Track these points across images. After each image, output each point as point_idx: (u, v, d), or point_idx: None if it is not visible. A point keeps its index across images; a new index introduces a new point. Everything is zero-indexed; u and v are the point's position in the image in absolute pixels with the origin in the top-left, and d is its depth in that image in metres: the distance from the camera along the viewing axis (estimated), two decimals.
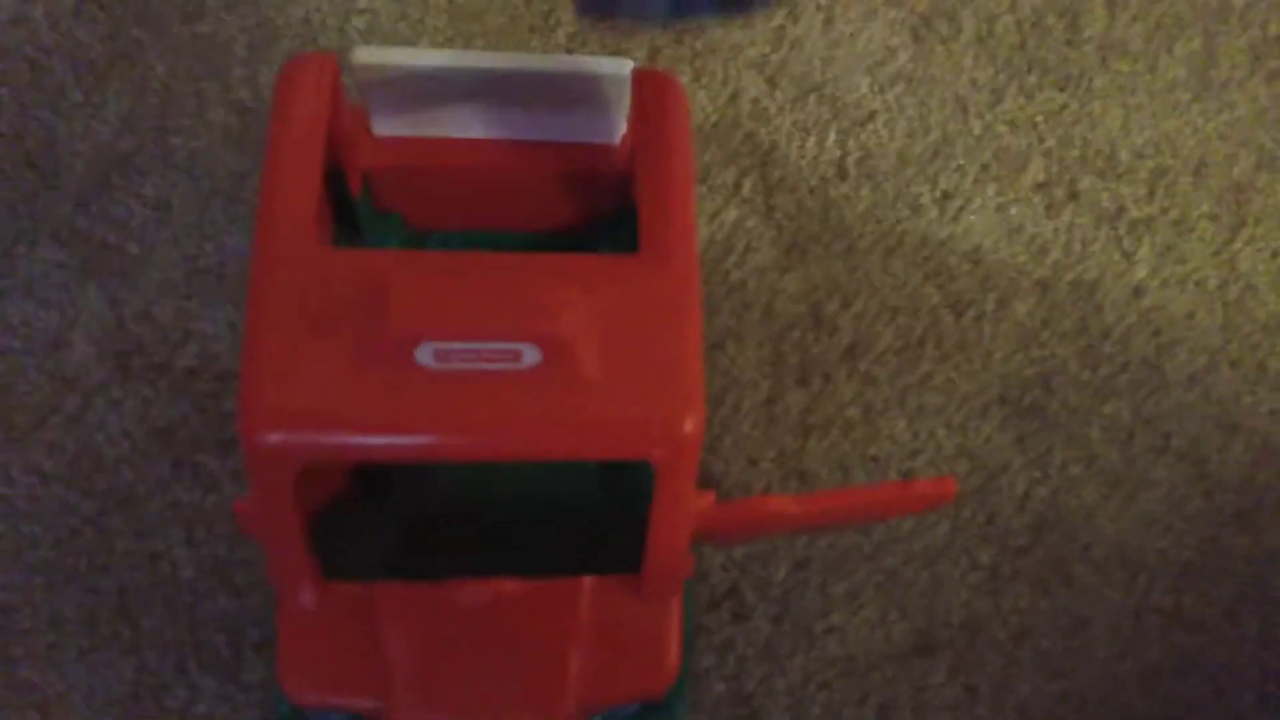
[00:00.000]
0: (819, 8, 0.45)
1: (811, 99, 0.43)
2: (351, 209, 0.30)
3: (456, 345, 0.23)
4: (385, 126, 0.30)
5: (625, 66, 0.27)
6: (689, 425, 0.24)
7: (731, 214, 0.41)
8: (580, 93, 0.28)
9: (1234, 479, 0.39)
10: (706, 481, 0.38)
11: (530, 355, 0.23)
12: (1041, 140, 0.44)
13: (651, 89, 0.29)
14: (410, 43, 0.43)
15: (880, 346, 0.40)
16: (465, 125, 0.30)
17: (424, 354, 0.23)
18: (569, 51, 0.44)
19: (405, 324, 0.23)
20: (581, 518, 0.31)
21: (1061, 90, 0.44)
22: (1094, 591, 0.37)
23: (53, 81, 0.41)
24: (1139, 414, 0.40)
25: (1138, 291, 0.42)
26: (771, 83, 0.43)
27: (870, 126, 0.43)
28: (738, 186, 0.42)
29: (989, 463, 0.38)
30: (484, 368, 0.24)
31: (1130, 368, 0.40)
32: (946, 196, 0.42)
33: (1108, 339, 0.41)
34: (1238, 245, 0.43)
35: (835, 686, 0.35)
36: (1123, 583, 0.37)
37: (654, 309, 0.25)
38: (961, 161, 0.43)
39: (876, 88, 0.44)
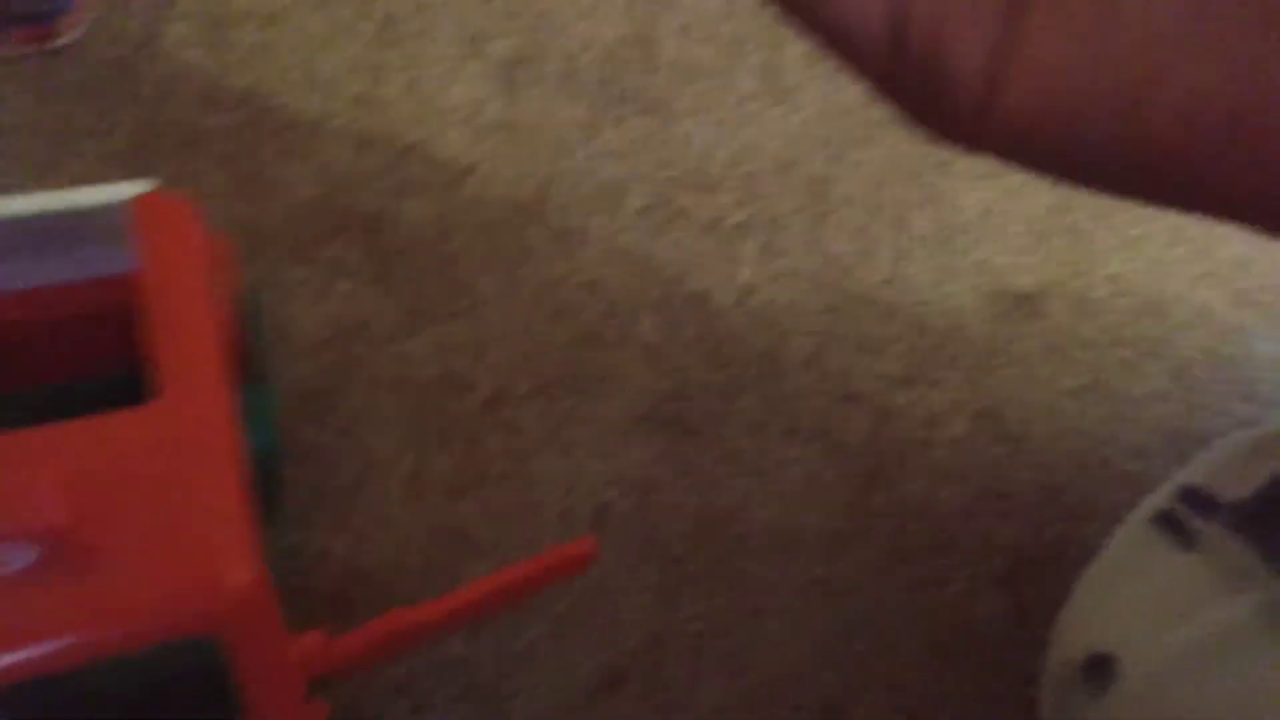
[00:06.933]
0: (402, 69, 0.45)
1: (409, 160, 0.43)
2: None
3: None
4: None
5: (119, 193, 0.25)
6: (241, 579, 0.22)
7: (342, 289, 0.40)
8: (83, 228, 0.26)
9: (860, 444, 0.43)
10: (362, 582, 0.36)
11: (21, 556, 0.21)
12: (638, 167, 0.46)
13: (154, 216, 0.26)
14: None
15: (519, 393, 0.40)
16: None
17: None
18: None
19: None
20: (186, 687, 0.28)
21: (648, 117, 0.47)
22: (759, 580, 0.39)
23: None
24: (767, 404, 0.42)
25: (747, 291, 0.45)
26: (363, 149, 0.43)
27: (473, 179, 0.43)
28: (344, 260, 0.40)
29: (641, 481, 0.40)
30: None
31: (752, 363, 0.43)
32: (558, 235, 0.43)
33: (728, 342, 0.43)
34: (827, 231, 0.47)
35: None
36: (782, 564, 0.40)
37: (179, 462, 0.23)
38: (567, 199, 0.44)
39: (473, 139, 0.44)
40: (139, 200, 0.26)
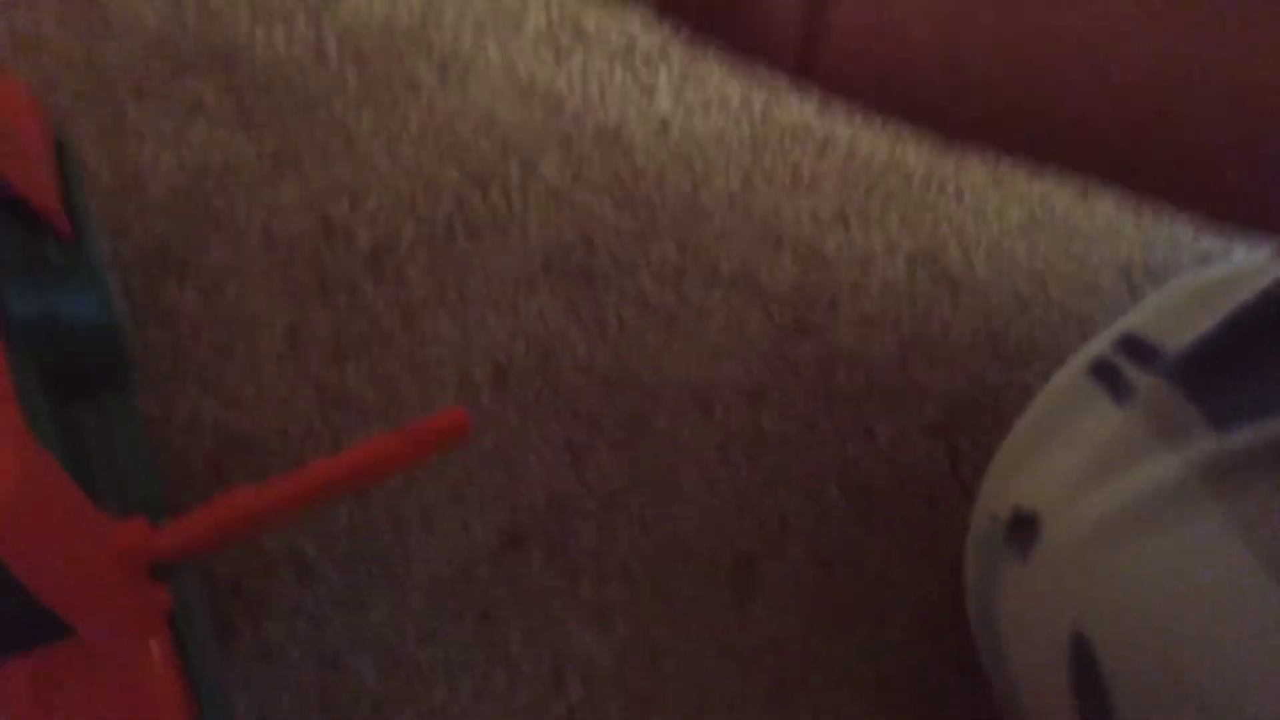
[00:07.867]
0: None
1: None
2: None
3: None
4: None
5: None
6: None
7: (199, 133, 0.36)
8: None
9: (786, 290, 0.40)
10: (241, 448, 0.33)
11: None
12: None
13: None
14: None
15: (405, 242, 0.36)
16: None
17: None
18: None
19: None
20: None
21: None
22: (675, 436, 0.37)
23: None
24: (685, 249, 0.39)
25: (664, 125, 0.40)
26: None
27: (344, 1, 0.38)
28: (199, 99, 0.36)
29: (545, 336, 0.36)
30: None
31: (669, 204, 0.39)
32: (445, 65, 0.38)
33: (642, 181, 0.39)
34: None
35: (426, 612, 0.32)
36: (700, 420, 0.37)
37: None
38: (454, 22, 0.39)
39: None
40: None
